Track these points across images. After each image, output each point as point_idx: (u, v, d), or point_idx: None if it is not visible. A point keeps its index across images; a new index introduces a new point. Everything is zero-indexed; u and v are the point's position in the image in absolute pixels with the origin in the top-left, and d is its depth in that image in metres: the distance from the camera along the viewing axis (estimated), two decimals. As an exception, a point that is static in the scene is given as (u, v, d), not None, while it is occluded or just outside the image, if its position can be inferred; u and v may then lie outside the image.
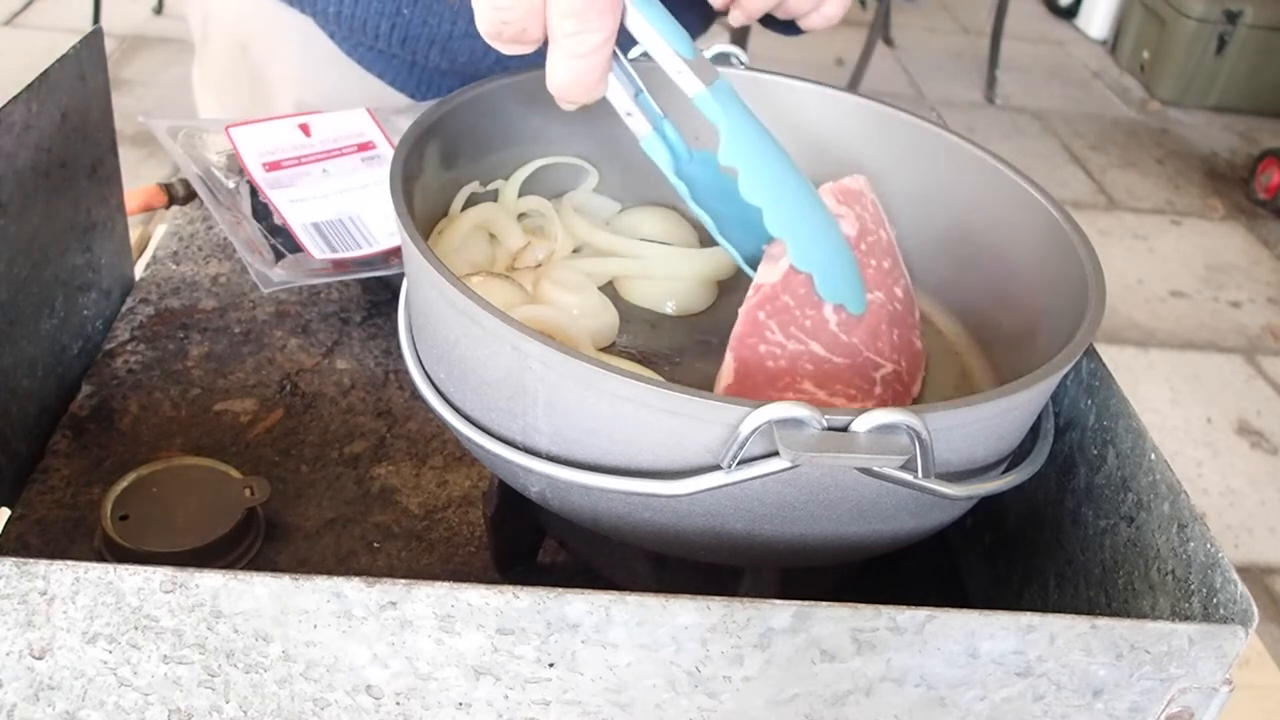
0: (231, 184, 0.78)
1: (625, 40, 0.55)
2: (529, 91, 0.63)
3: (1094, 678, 0.43)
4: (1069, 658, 0.43)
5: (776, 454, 0.43)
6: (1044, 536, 0.60)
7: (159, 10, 3.46)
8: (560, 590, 0.40)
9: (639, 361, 0.60)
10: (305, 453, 0.71)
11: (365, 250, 0.74)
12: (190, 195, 0.91)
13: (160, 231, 0.92)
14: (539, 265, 0.65)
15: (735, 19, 0.71)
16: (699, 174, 0.60)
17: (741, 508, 0.47)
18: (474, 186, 0.66)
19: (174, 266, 0.86)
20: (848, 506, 0.47)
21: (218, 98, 0.99)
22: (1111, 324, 2.52)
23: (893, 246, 0.65)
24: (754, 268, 0.59)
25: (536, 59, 0.56)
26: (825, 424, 0.43)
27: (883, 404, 0.57)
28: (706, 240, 0.65)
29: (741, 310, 0.57)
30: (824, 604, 0.41)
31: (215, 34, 0.97)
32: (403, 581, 0.40)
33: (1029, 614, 0.42)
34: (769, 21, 0.75)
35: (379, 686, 0.43)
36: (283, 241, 0.75)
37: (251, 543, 0.63)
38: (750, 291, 0.58)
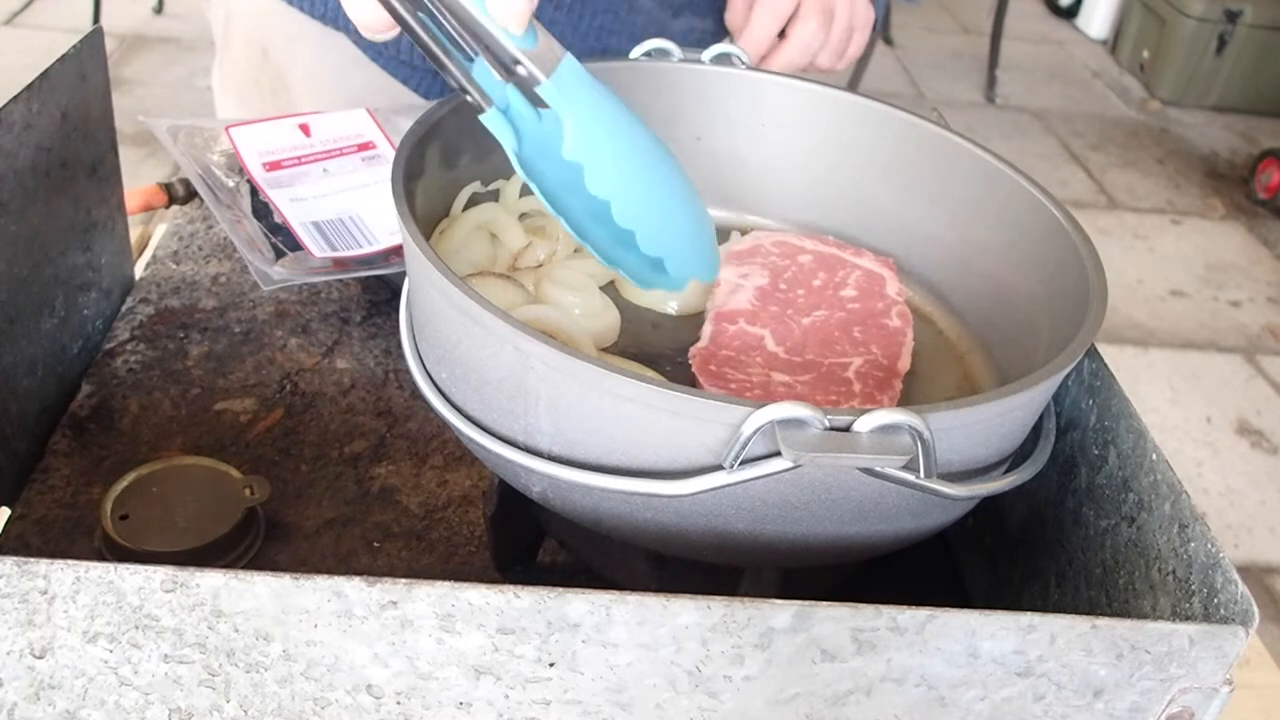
0: (231, 183, 0.78)
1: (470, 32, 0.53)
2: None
3: (1094, 678, 0.43)
4: (1069, 658, 0.43)
5: (778, 454, 0.43)
6: (1045, 536, 0.60)
7: (159, 10, 3.46)
8: (560, 590, 0.40)
9: (641, 362, 0.60)
10: (305, 452, 0.71)
11: (365, 249, 0.74)
12: (190, 195, 0.91)
13: (160, 231, 0.92)
14: (540, 265, 0.65)
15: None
16: (549, 162, 0.57)
17: (743, 508, 0.47)
18: (475, 186, 0.66)
19: (174, 266, 0.86)
20: (849, 506, 0.47)
21: (239, 100, 0.98)
22: (1111, 324, 2.52)
23: (823, 258, 0.65)
24: (610, 260, 0.57)
25: None
26: (827, 424, 0.43)
27: (867, 394, 0.58)
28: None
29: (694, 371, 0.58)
30: (824, 604, 0.41)
31: (237, 36, 0.96)
32: (403, 581, 0.40)
33: (1029, 614, 0.42)
34: None
35: (379, 686, 0.43)
36: (283, 240, 0.75)
37: (251, 542, 0.63)
38: (689, 356, 0.59)
